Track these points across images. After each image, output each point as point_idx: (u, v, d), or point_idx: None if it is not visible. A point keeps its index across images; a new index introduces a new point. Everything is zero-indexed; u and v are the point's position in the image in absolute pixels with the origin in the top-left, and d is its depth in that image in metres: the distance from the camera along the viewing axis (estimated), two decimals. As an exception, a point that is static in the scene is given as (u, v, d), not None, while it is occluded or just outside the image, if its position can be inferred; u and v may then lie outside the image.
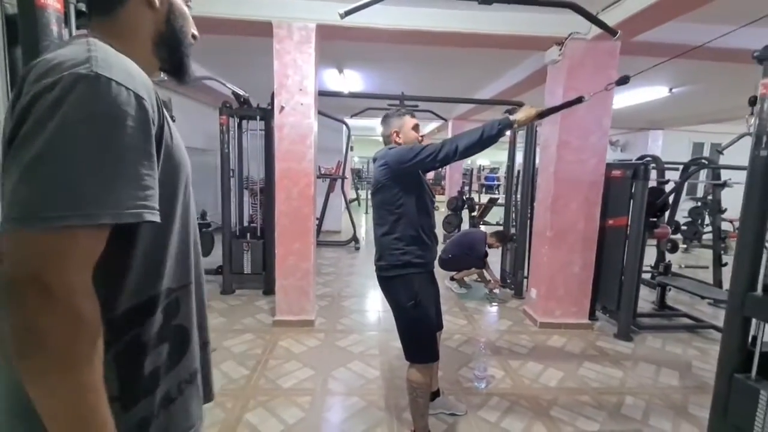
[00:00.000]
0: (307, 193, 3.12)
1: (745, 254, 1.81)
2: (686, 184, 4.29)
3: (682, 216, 7.03)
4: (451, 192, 8.35)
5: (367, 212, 11.12)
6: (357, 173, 17.04)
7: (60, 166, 0.48)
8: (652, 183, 3.83)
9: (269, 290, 3.95)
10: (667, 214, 4.59)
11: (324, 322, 3.37)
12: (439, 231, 7.91)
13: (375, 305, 3.92)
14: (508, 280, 4.51)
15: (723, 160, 4.68)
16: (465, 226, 7.04)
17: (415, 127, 1.80)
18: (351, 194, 9.71)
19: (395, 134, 1.80)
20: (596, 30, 2.96)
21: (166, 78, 1.34)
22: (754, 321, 1.78)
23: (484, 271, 4.34)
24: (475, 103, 4.90)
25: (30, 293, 0.46)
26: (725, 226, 5.08)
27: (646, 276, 4.42)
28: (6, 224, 0.47)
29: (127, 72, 0.55)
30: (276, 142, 3.07)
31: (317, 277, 4.68)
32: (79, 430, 0.50)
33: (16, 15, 1.04)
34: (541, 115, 1.63)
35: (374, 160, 1.82)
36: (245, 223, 4.46)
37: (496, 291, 4.28)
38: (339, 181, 6.89)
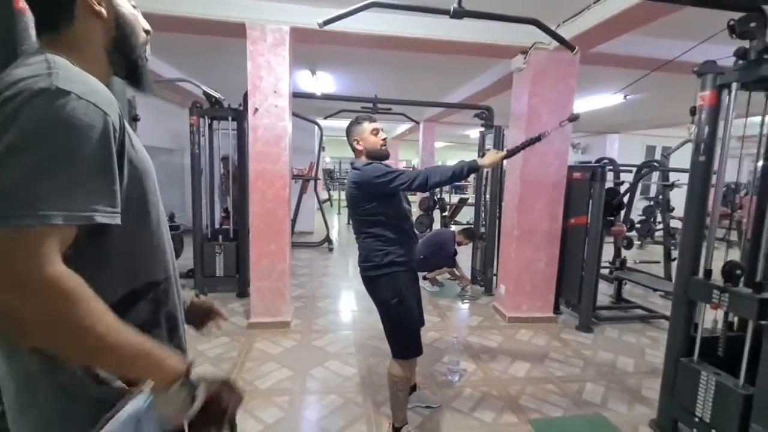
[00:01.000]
0: (282, 195, 3.13)
1: (688, 244, 2.01)
2: (641, 184, 4.61)
3: (636, 215, 7.52)
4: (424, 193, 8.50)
5: (339, 213, 11.11)
6: (329, 174, 16.97)
7: (18, 172, 0.51)
8: (609, 184, 4.11)
9: (243, 293, 3.92)
10: (623, 213, 4.92)
11: (300, 323, 3.39)
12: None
13: (350, 305, 3.97)
14: (479, 278, 4.67)
15: (673, 163, 5.08)
16: (437, 225, 7.20)
17: (375, 132, 1.86)
18: (323, 195, 9.68)
19: (356, 142, 1.87)
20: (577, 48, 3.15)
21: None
22: (697, 309, 1.98)
23: (455, 269, 4.49)
24: (446, 107, 5.04)
25: (4, 285, 0.51)
26: (675, 223, 5.48)
27: (605, 271, 4.72)
28: None
29: (88, 86, 0.59)
30: (250, 144, 3.06)
31: (291, 278, 4.68)
32: (132, 359, 0.58)
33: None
34: (506, 157, 1.83)
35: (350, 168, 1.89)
36: (217, 225, 4.38)
37: (468, 289, 4.44)
38: (312, 182, 6.88)
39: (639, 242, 7.58)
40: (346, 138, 1.95)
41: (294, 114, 5.81)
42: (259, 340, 2.99)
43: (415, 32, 3.11)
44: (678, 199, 5.84)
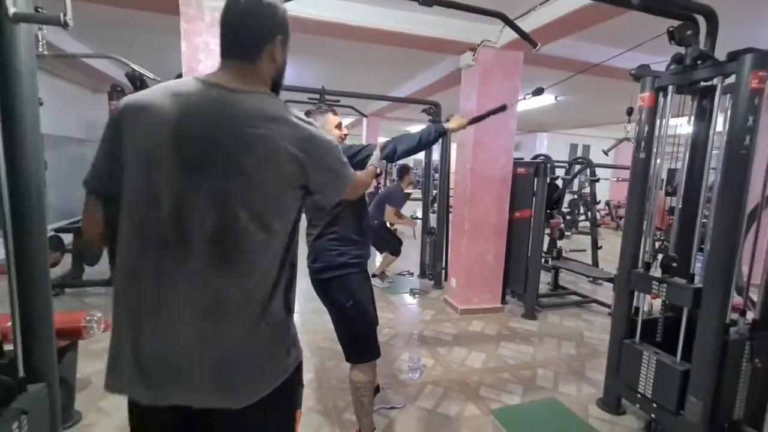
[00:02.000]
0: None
1: (629, 239, 2.16)
2: (568, 179, 4.99)
3: (563, 207, 8.16)
4: (367, 188, 8.44)
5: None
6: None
7: None
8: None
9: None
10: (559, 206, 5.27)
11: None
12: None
13: (297, 306, 3.79)
14: (428, 272, 4.73)
15: (594, 159, 5.57)
16: (383, 221, 7.17)
17: (338, 126, 1.76)
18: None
19: None
20: (504, 39, 3.25)
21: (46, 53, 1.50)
22: (637, 295, 2.14)
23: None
24: (395, 101, 5.01)
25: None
26: (599, 215, 6.03)
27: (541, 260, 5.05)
28: None
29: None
30: (186, 134, 2.74)
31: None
32: None
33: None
34: (470, 122, 1.83)
35: None
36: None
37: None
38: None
39: (567, 233, 8.24)
40: None
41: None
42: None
43: (365, 22, 3.01)
44: (601, 192, 6.46)
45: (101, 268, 4.15)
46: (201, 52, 2.67)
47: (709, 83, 1.83)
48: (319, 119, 1.76)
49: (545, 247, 4.99)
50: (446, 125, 1.72)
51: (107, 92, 3.42)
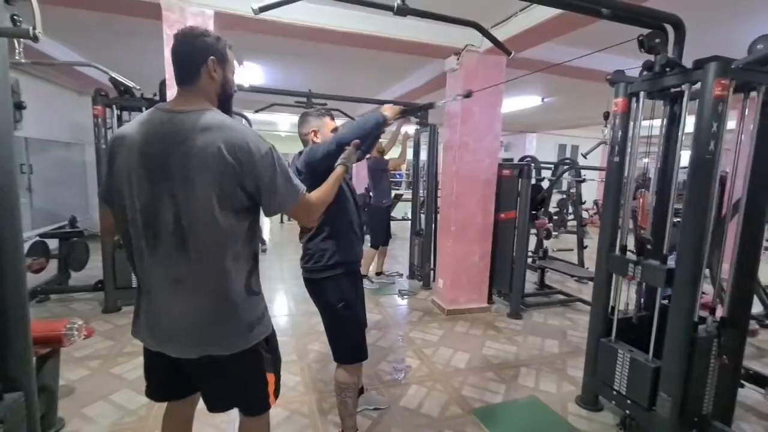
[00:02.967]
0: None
1: (606, 227, 2.23)
2: (555, 180, 5.07)
3: (551, 207, 8.23)
4: (358, 189, 8.46)
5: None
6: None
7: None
8: (531, 181, 4.44)
9: (166, 303, 3.55)
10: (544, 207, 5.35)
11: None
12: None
13: (287, 309, 3.81)
14: (417, 273, 4.78)
15: (581, 161, 5.65)
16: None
17: (335, 130, 1.79)
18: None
19: (313, 134, 1.76)
20: (487, 44, 3.29)
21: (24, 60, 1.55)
22: (614, 292, 2.20)
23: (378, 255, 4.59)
24: (381, 104, 5.03)
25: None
26: (585, 215, 6.11)
27: (528, 260, 5.11)
28: None
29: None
30: (170, 139, 2.75)
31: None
32: None
33: None
34: (403, 113, 1.78)
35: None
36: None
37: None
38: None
39: (555, 233, 8.34)
40: (299, 128, 1.81)
41: (219, 106, 5.41)
42: (188, 356, 2.72)
43: (350, 27, 3.04)
44: (587, 192, 6.55)
45: (89, 273, 4.13)
46: (184, 58, 2.68)
47: (679, 89, 1.89)
48: (316, 122, 1.79)
49: (533, 247, 5.07)
50: (383, 112, 1.68)
51: (91, 96, 3.40)
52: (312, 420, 2.11)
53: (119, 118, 3.65)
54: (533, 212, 4.14)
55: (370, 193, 4.87)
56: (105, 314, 3.44)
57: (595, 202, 10.02)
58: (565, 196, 9.07)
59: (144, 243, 1.04)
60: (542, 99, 6.23)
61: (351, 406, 1.84)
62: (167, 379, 1.22)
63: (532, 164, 3.85)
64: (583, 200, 5.92)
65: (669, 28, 1.86)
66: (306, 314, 3.56)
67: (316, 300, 1.76)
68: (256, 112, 5.03)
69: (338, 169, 1.43)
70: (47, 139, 5.70)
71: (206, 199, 0.99)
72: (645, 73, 1.97)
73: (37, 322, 1.74)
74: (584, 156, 3.82)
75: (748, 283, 1.95)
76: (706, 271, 2.44)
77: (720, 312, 1.93)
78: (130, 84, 3.30)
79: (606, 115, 2.24)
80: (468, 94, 2.04)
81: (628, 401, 2.02)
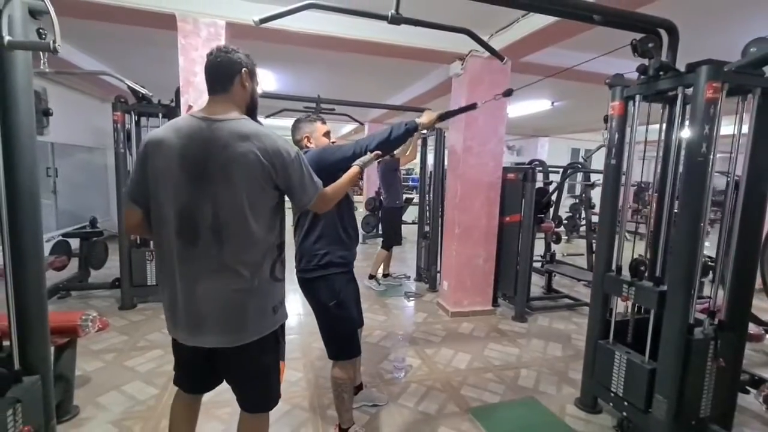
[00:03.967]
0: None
1: (602, 243, 2.24)
2: (567, 183, 5.04)
3: (564, 211, 8.17)
4: (369, 192, 8.55)
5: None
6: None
7: None
8: (540, 184, 4.44)
9: (178, 301, 3.69)
10: (551, 210, 5.33)
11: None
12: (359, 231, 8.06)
13: (294, 308, 3.89)
14: (423, 275, 4.82)
15: (595, 164, 5.61)
16: (382, 225, 7.27)
17: (326, 134, 1.86)
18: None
19: (306, 139, 1.85)
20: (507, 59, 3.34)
21: (47, 70, 1.62)
22: (612, 297, 2.21)
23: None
24: (388, 109, 5.13)
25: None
26: (595, 219, 6.04)
27: (537, 264, 5.09)
28: None
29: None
30: (183, 144, 2.88)
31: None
32: None
33: None
34: (441, 118, 1.83)
35: None
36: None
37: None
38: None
39: (566, 237, 8.25)
40: (291, 134, 1.90)
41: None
42: (198, 351, 2.83)
43: (356, 34, 3.13)
44: (598, 197, 6.48)
45: (107, 271, 4.31)
46: (197, 65, 2.81)
47: (674, 93, 1.91)
48: (308, 127, 1.87)
49: (540, 251, 5.05)
50: (417, 120, 1.73)
51: (111, 103, 3.58)
52: (312, 414, 2.17)
53: (137, 123, 3.83)
54: (539, 216, 4.14)
55: (382, 196, 4.93)
56: (121, 311, 3.59)
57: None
58: (577, 200, 8.99)
59: (181, 242, 1.15)
60: (552, 103, 6.21)
61: (347, 402, 1.90)
62: (200, 373, 1.33)
63: (537, 168, 3.85)
64: (593, 204, 5.86)
65: (663, 33, 1.89)
66: (310, 314, 3.63)
67: (310, 299, 1.83)
68: (267, 117, 5.18)
69: (354, 169, 1.55)
70: (72, 143, 5.98)
71: (243, 198, 1.13)
72: (641, 77, 1.99)
73: (55, 313, 1.87)
74: (585, 159, 3.81)
75: (746, 286, 1.93)
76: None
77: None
78: (143, 91, 3.46)
79: (606, 119, 2.25)
80: (508, 93, 2.12)
81: (625, 403, 2.02)
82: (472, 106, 2.02)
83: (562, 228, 7.23)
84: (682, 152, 1.87)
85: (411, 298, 4.31)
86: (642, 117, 2.08)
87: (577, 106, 6.49)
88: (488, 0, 1.62)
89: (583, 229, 8.45)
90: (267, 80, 5.15)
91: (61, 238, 4.29)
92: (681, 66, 1.82)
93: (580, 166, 5.28)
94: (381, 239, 4.73)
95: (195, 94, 2.83)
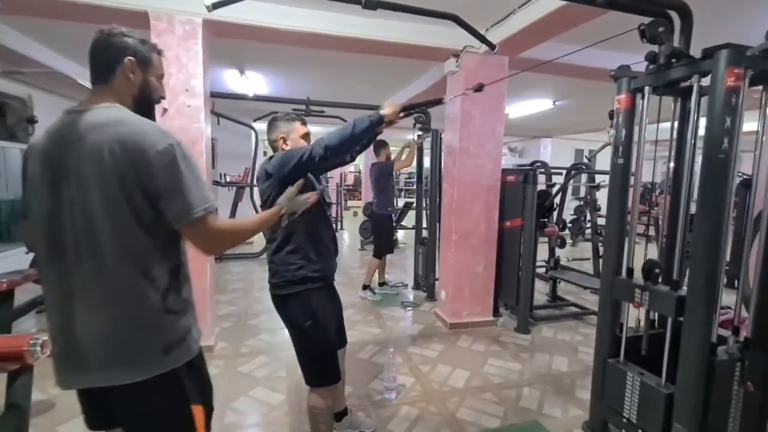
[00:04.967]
0: (200, 205, 2.80)
1: (611, 245, 2.03)
2: (571, 185, 4.83)
3: (569, 214, 7.93)
4: (367, 197, 8.36)
5: (283, 220, 10.63)
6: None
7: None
8: (542, 186, 4.24)
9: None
10: (555, 213, 5.12)
11: (225, 346, 3.07)
12: (356, 237, 7.87)
13: (274, 324, 3.70)
14: (421, 283, 4.61)
15: (600, 165, 5.39)
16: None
17: (305, 136, 1.68)
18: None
19: (282, 140, 1.66)
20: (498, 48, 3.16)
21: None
22: (622, 309, 2.00)
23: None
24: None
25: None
26: (601, 221, 5.82)
27: (541, 270, 4.87)
28: None
29: None
30: (159, 149, 2.72)
31: (221, 295, 4.30)
32: None
33: None
34: (405, 109, 1.60)
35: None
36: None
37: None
38: (247, 189, 6.47)
39: (572, 240, 8.02)
40: (267, 134, 1.72)
41: (226, 116, 5.43)
42: (175, 370, 2.64)
43: (343, 30, 2.96)
44: (604, 198, 6.26)
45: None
46: (172, 66, 2.65)
47: (688, 83, 1.71)
48: (284, 126, 1.69)
49: (544, 257, 4.83)
50: (381, 111, 1.50)
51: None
52: (291, 443, 1.97)
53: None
54: (542, 219, 3.93)
55: (373, 202, 4.69)
56: (101, 325, 3.41)
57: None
58: (582, 202, 8.76)
59: (46, 256, 0.94)
60: (554, 102, 6.01)
61: (326, 432, 1.70)
62: (94, 411, 1.05)
63: (538, 169, 3.65)
64: (599, 206, 5.64)
65: (675, 16, 1.69)
66: (302, 327, 3.44)
67: (283, 318, 1.64)
68: (255, 120, 5.03)
69: (273, 209, 1.32)
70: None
71: (99, 205, 0.89)
72: (650, 66, 1.79)
73: (1, 337, 1.69)
74: (588, 159, 3.61)
75: (775, 298, 1.71)
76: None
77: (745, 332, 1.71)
78: (89, 85, 3.28)
79: (611, 114, 2.05)
80: (479, 88, 1.90)
81: (639, 431, 1.80)
82: (438, 101, 1.83)
83: (566, 231, 7.00)
84: (699, 149, 1.68)
85: (408, 308, 4.10)
86: (651, 112, 1.87)
87: (581, 106, 6.28)
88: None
89: (588, 232, 8.23)
90: (258, 83, 5.00)
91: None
92: (695, 54, 1.62)
93: (584, 167, 5.05)
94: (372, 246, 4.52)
95: (170, 97, 2.66)
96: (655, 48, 1.71)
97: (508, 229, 3.65)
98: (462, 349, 3.13)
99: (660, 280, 1.80)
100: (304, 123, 1.71)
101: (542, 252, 4.59)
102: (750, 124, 1.45)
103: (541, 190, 3.71)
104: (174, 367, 0.97)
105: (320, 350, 1.62)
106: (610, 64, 2.72)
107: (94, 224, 0.90)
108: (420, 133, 4.60)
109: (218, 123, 5.45)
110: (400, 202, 9.87)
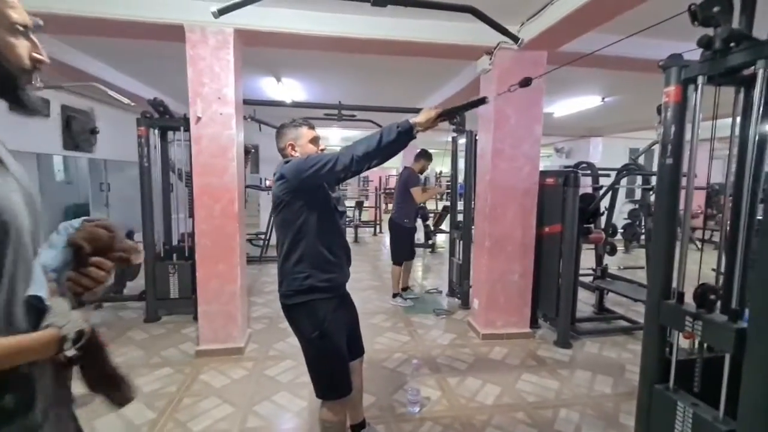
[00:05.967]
0: (231, 211, 2.89)
1: (658, 262, 1.80)
2: (626, 188, 4.44)
3: (622, 219, 7.35)
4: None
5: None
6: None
7: None
8: (588, 189, 3.93)
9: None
10: (603, 218, 4.74)
11: (256, 348, 3.12)
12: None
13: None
14: (456, 290, 4.45)
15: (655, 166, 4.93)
16: (419, 235, 6.96)
17: (314, 140, 1.65)
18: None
19: (290, 147, 1.64)
20: (523, 39, 2.98)
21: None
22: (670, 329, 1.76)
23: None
24: (412, 113, 4.85)
25: None
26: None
27: (588, 279, 4.52)
28: None
29: None
30: (193, 156, 2.83)
31: (257, 297, 4.41)
32: None
33: None
34: (442, 115, 1.45)
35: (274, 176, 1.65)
36: (174, 242, 4.11)
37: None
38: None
39: (624, 247, 7.43)
40: (276, 142, 1.72)
41: (265, 123, 5.61)
42: (206, 371, 2.72)
43: (369, 33, 2.93)
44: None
45: (141, 281, 4.41)
46: (205, 76, 2.75)
47: (751, 70, 1.47)
48: (291, 133, 1.67)
49: (591, 264, 4.48)
50: (412, 120, 1.38)
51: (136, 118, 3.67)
52: (308, 453, 1.94)
53: (163, 137, 3.90)
54: (586, 225, 3.64)
55: (394, 206, 4.49)
56: (145, 323, 3.61)
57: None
58: (636, 206, 8.08)
59: None
60: (602, 99, 5.59)
61: (337, 447, 1.64)
62: None
63: (581, 171, 3.38)
64: (653, 210, 5.14)
65: (734, -7, 1.46)
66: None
67: (293, 328, 1.61)
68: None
69: (45, 334, 0.68)
70: (121, 159, 6.35)
71: None
72: (704, 53, 1.57)
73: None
74: (634, 160, 3.29)
75: None
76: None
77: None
78: (125, 101, 3.48)
79: (659, 109, 1.83)
80: (526, 83, 1.76)
81: (692, 470, 1.57)
82: (481, 101, 1.65)
83: (618, 237, 6.47)
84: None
85: (440, 316, 3.97)
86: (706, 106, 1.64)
87: (634, 101, 5.80)
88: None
89: (643, 238, 7.57)
90: (294, 90, 5.11)
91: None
92: (759, 36, 1.39)
93: (635, 167, 4.63)
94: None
95: (203, 105, 2.77)
96: (709, 31, 1.49)
97: (547, 235, 3.42)
98: (494, 362, 2.95)
99: (717, 306, 1.56)
100: (311, 127, 1.68)
101: (588, 260, 4.27)
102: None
103: (584, 194, 3.44)
104: None
105: (329, 363, 1.58)
106: (663, 53, 2.46)
107: None
108: (454, 135, 4.46)
109: (260, 129, 5.64)
110: (439, 205, 9.69)
